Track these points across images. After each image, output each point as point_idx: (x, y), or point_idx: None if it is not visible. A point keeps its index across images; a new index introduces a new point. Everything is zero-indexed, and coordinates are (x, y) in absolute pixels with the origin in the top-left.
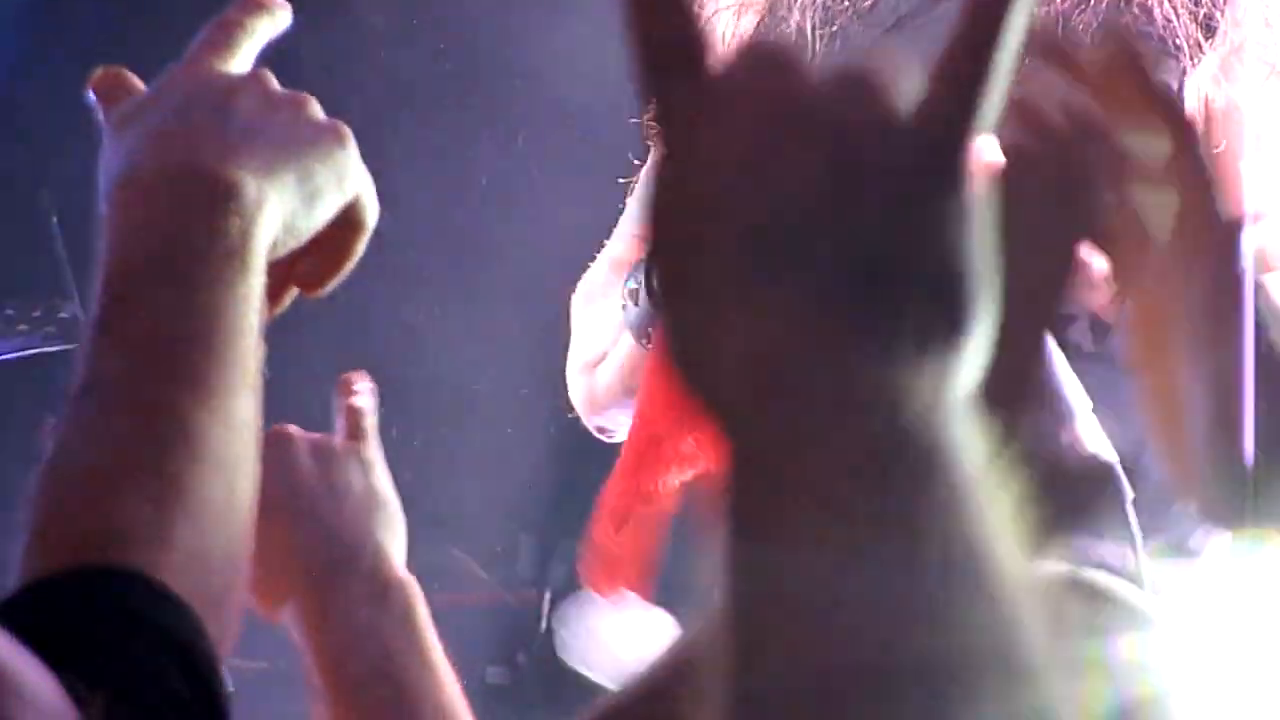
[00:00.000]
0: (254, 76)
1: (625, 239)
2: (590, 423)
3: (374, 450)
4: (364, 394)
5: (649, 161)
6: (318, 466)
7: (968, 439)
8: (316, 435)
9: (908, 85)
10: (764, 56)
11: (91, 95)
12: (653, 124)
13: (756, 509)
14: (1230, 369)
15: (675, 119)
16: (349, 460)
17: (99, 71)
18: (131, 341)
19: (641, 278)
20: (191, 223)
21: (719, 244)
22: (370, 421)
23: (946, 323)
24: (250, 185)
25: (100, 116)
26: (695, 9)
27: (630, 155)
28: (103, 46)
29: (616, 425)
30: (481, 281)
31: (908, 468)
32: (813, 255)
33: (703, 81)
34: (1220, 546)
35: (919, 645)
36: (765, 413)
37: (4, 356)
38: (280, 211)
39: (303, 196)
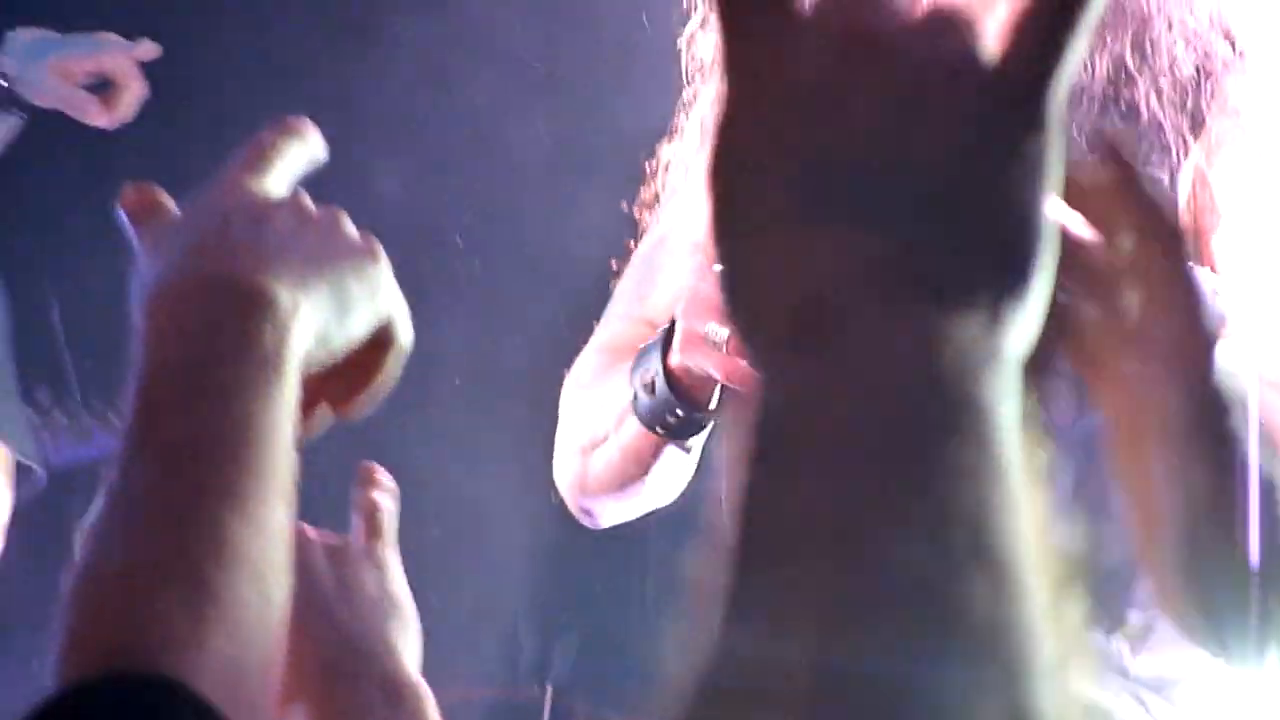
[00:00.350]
0: (289, 195)
1: (616, 322)
2: (576, 506)
3: (391, 551)
4: (385, 492)
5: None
6: (333, 569)
7: (1006, 401)
8: (333, 536)
9: (992, 33)
10: None
11: (121, 213)
12: (726, 53)
13: (778, 448)
14: (1207, 488)
15: (751, 49)
16: (365, 562)
17: (129, 189)
18: (166, 448)
19: (658, 367)
20: (225, 330)
21: (780, 175)
22: (389, 522)
23: (1004, 272)
24: (284, 294)
25: (130, 233)
26: None
27: (613, 247)
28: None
29: (604, 512)
30: (479, 378)
31: (936, 421)
32: (873, 192)
33: (784, 13)
34: (1198, 664)
35: (914, 611)
36: (803, 350)
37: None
38: (314, 322)
39: (336, 309)
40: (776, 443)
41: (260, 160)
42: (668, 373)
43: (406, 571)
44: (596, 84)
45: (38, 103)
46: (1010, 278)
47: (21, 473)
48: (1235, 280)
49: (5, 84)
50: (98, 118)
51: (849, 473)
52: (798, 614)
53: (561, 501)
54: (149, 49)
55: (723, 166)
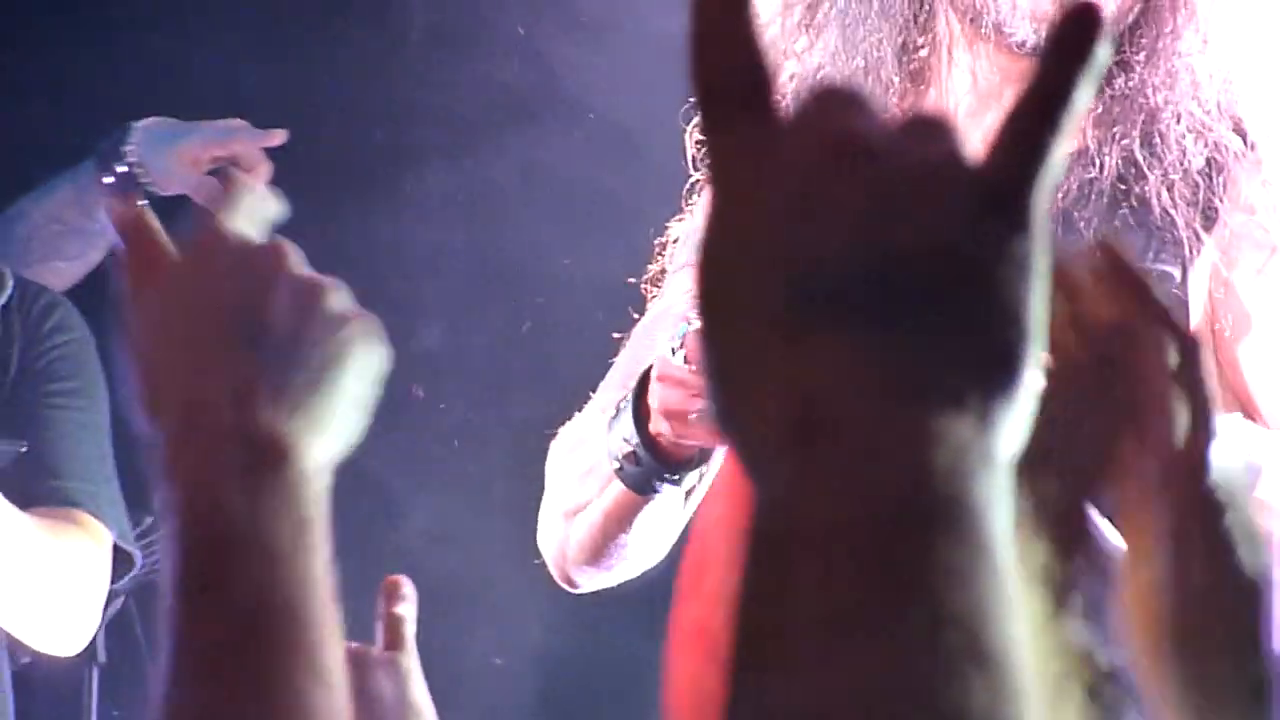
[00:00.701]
0: (277, 267)
1: (610, 391)
2: (560, 574)
3: (412, 659)
4: (407, 601)
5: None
6: (354, 676)
7: (998, 502)
8: (354, 645)
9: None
10: (830, 97)
11: (112, 227)
12: (710, 159)
13: (771, 551)
14: (1206, 588)
15: (734, 154)
16: (385, 670)
17: (120, 207)
18: (228, 612)
19: (636, 439)
20: (263, 495)
21: (767, 283)
22: (410, 630)
23: (994, 373)
24: (306, 446)
25: (119, 265)
26: (762, 45)
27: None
28: None
29: (585, 580)
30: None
31: (928, 521)
32: (861, 297)
33: (766, 118)
34: None
35: (910, 713)
36: (795, 453)
37: None
38: (333, 449)
39: (346, 416)
40: (769, 545)
41: (226, 200)
42: (648, 440)
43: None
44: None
45: (164, 191)
46: (1000, 379)
47: (119, 556)
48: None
49: (131, 171)
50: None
51: (843, 575)
52: (795, 717)
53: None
54: (278, 136)
55: (710, 275)
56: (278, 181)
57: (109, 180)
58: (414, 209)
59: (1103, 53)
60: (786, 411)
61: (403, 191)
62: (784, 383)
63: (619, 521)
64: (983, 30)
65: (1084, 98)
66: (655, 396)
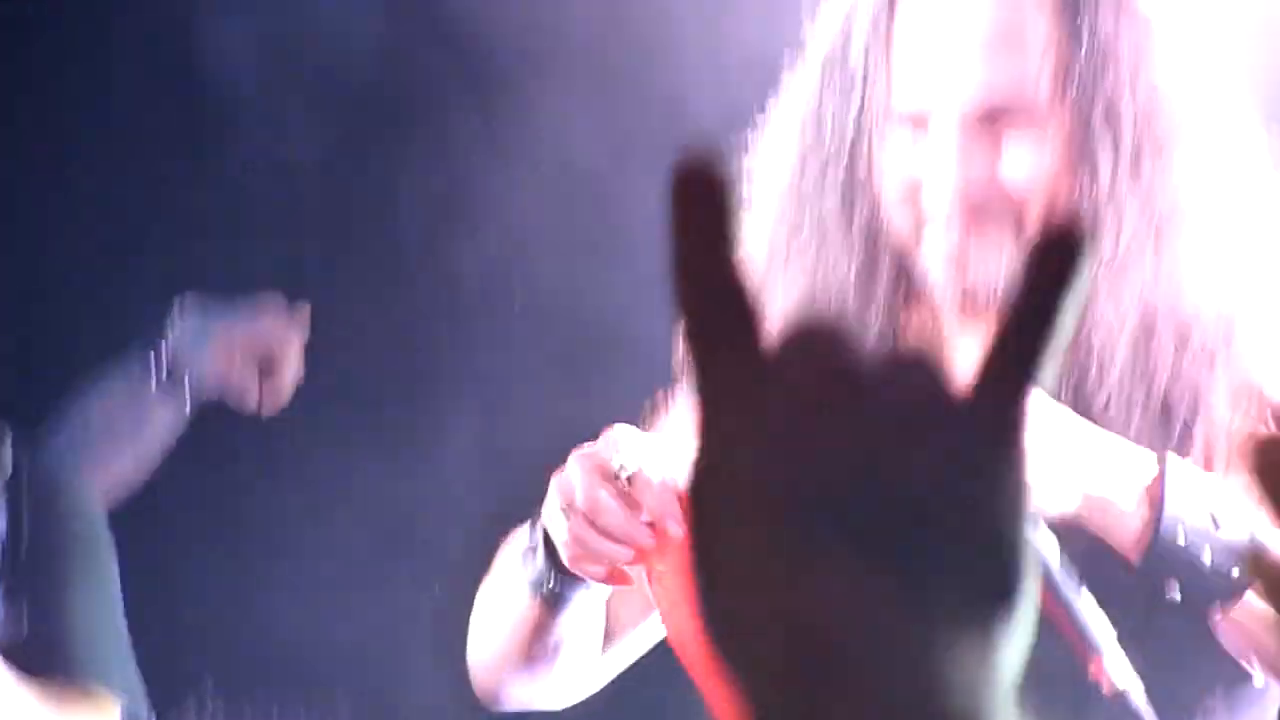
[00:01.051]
0: None
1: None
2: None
3: None
4: None
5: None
6: None
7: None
8: None
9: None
10: (815, 331)
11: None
12: (697, 388)
13: None
14: None
15: (722, 386)
16: None
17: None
18: None
19: (538, 536)
20: None
21: (762, 517)
22: None
23: (991, 598)
24: None
25: None
26: (746, 275)
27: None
28: None
29: (510, 698)
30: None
31: None
32: (854, 530)
33: (752, 350)
34: None
35: None
36: (798, 682)
37: None
38: None
39: None
40: None
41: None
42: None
43: None
44: None
45: (204, 398)
46: (997, 603)
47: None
48: None
49: (173, 373)
50: (259, 406)
51: None
52: None
53: None
54: (303, 314)
55: (701, 515)
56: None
57: (155, 384)
58: None
59: (1084, 277)
60: (787, 641)
61: None
62: (782, 614)
63: (535, 631)
64: (916, 288)
65: (1068, 323)
66: (566, 527)
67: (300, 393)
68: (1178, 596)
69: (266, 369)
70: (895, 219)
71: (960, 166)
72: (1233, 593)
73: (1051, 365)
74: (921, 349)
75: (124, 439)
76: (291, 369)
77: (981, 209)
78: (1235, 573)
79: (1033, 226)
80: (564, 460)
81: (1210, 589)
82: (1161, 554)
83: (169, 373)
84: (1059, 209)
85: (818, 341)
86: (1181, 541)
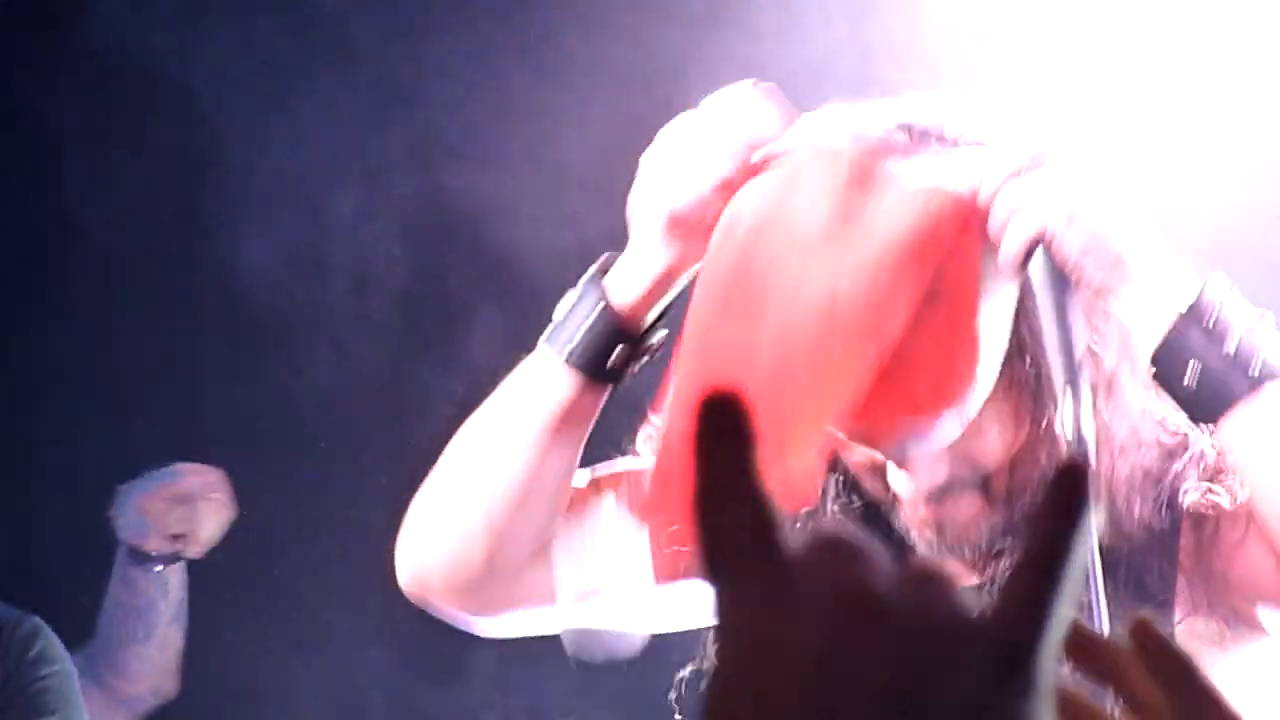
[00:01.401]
0: None
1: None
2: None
3: None
4: None
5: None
6: None
7: None
8: None
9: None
10: (833, 547)
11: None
12: (717, 607)
13: None
14: None
15: (742, 605)
16: None
17: None
18: None
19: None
20: None
21: None
22: None
23: None
24: None
25: None
26: (768, 494)
27: None
28: None
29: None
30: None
31: None
32: None
33: (770, 570)
34: None
35: None
36: None
37: None
38: None
39: None
40: None
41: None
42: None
43: None
44: None
45: (148, 549)
46: None
47: None
48: None
49: (125, 539)
50: (185, 550)
51: None
52: None
53: None
54: (221, 474)
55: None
56: None
57: (124, 553)
58: None
59: (1095, 513)
60: None
61: None
62: None
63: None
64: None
65: (1082, 555)
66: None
67: None
68: (1194, 384)
69: (185, 521)
70: (867, 485)
71: (923, 490)
72: (1248, 390)
73: (1072, 597)
74: (940, 569)
75: (130, 618)
76: (212, 518)
77: (945, 490)
78: (1254, 370)
79: (1002, 483)
80: None
81: (1226, 380)
82: (1188, 330)
83: (130, 550)
84: (1025, 461)
85: (839, 557)
86: (1210, 323)
